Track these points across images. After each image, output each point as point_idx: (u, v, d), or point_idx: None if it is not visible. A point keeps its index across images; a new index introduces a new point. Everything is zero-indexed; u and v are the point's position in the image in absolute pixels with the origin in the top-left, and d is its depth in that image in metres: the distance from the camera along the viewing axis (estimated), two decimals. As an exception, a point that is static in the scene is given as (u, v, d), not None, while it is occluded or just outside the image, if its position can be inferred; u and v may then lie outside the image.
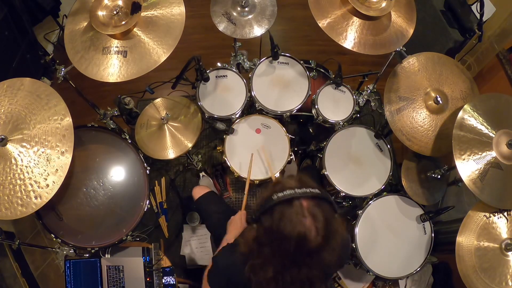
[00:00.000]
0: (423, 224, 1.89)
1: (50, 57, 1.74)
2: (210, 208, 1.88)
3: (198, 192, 1.94)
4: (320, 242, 0.97)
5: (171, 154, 1.93)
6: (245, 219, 1.59)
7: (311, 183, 1.06)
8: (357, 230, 1.86)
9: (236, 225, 1.54)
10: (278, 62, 2.11)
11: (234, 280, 1.18)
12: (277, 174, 1.92)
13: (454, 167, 1.55)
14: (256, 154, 1.94)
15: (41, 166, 1.44)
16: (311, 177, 2.04)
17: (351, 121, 2.13)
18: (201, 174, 2.54)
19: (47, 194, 1.43)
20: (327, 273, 1.15)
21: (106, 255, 1.92)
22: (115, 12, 1.58)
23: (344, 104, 2.06)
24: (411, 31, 1.74)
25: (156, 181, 2.52)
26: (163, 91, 2.07)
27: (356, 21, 1.66)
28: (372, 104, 2.28)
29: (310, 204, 0.99)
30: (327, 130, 2.10)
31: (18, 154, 1.45)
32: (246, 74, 2.16)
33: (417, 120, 1.75)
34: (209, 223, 1.90)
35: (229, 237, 1.51)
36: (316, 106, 2.01)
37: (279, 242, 1.00)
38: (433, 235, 1.88)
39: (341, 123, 2.03)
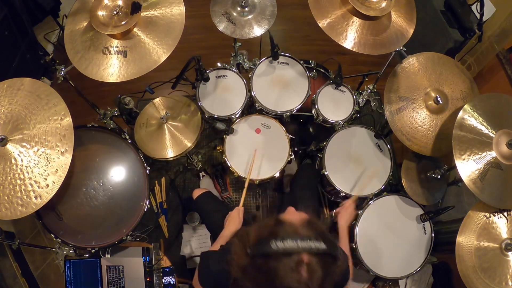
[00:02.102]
0: (423, 224, 1.89)
1: (50, 57, 1.74)
2: (209, 207, 1.90)
3: (196, 192, 1.97)
4: None
5: (170, 153, 1.93)
6: (243, 215, 1.60)
7: (319, 227, 0.96)
8: (357, 230, 1.86)
9: (234, 220, 1.55)
10: (278, 62, 2.11)
11: (222, 284, 1.13)
12: (277, 174, 1.92)
13: (454, 167, 1.55)
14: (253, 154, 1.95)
15: (41, 166, 1.44)
16: (310, 176, 2.05)
17: (351, 121, 2.13)
18: (201, 174, 2.54)
19: (47, 194, 1.43)
20: None
21: (106, 255, 1.92)
22: (115, 12, 1.58)
23: (344, 104, 2.06)
24: (411, 31, 1.74)
25: (156, 181, 2.52)
26: (163, 91, 2.07)
27: (356, 21, 1.66)
28: (372, 104, 2.28)
29: (310, 261, 0.89)
30: (327, 130, 2.10)
31: (18, 154, 1.45)
32: (246, 74, 2.16)
33: (417, 120, 1.75)
34: (208, 223, 1.91)
35: (226, 233, 1.52)
36: (316, 106, 2.02)
37: (266, 283, 0.92)
38: (433, 235, 1.88)
39: (341, 123, 2.03)
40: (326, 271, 0.91)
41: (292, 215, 1.04)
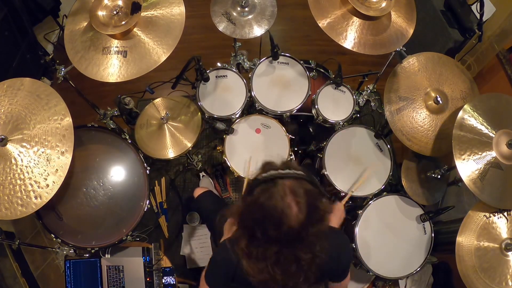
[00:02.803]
0: (423, 224, 1.89)
1: (50, 57, 1.74)
2: (210, 206, 1.89)
3: (197, 191, 1.96)
4: (302, 220, 0.97)
5: (171, 153, 1.93)
6: None
7: (298, 167, 1.07)
8: (357, 230, 1.86)
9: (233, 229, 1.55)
10: (278, 62, 2.11)
11: (231, 274, 1.18)
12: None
13: (454, 167, 1.55)
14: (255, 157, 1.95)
15: (41, 166, 1.45)
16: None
17: (351, 121, 2.13)
18: (201, 174, 2.54)
19: (47, 194, 1.43)
20: (324, 271, 1.12)
21: (106, 255, 1.92)
22: (115, 12, 1.58)
23: (344, 104, 2.05)
24: (411, 31, 1.74)
25: (156, 181, 2.52)
26: (163, 91, 2.07)
27: (356, 21, 1.66)
28: (372, 104, 2.28)
29: (293, 184, 0.99)
30: (327, 130, 2.10)
31: (18, 154, 1.45)
32: (246, 74, 2.16)
33: (417, 120, 1.75)
34: (208, 222, 1.91)
35: (228, 226, 1.52)
36: (316, 106, 2.01)
37: (259, 219, 1.01)
38: (433, 235, 1.88)
39: (341, 123, 2.03)
40: (308, 195, 0.99)
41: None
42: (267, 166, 1.08)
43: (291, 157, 1.96)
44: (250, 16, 1.90)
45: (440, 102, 1.72)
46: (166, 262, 2.04)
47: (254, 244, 1.06)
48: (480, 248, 1.59)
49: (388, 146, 2.01)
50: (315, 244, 1.04)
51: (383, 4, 1.65)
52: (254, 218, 1.03)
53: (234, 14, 1.90)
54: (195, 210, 2.41)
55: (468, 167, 1.52)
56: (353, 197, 1.99)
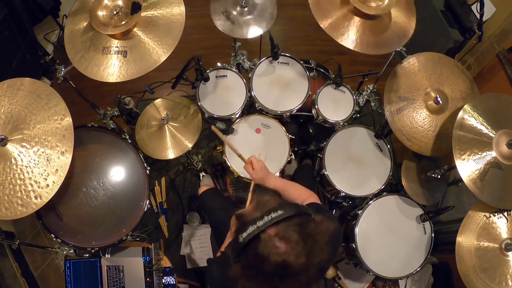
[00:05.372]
0: (423, 224, 1.89)
1: (50, 57, 1.74)
2: (213, 204, 1.89)
3: (202, 188, 1.97)
4: (304, 262, 0.90)
5: (171, 154, 1.93)
6: None
7: (270, 202, 0.97)
8: (357, 230, 1.86)
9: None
10: (278, 62, 2.11)
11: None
12: (277, 174, 1.92)
13: (454, 167, 1.55)
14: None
15: (41, 166, 1.44)
16: (309, 177, 2.04)
17: (351, 121, 2.13)
18: (201, 174, 2.54)
19: (47, 194, 1.43)
20: (323, 268, 1.10)
21: (106, 255, 1.92)
22: (115, 12, 1.58)
23: (344, 104, 2.05)
24: (411, 31, 1.74)
25: (156, 181, 2.52)
26: (163, 91, 2.07)
27: (357, 21, 1.66)
28: (372, 104, 2.28)
29: (278, 230, 0.90)
30: (327, 130, 2.10)
31: (18, 154, 1.45)
32: (246, 74, 2.16)
33: (417, 120, 1.75)
34: (211, 219, 1.91)
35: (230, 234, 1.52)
36: (316, 106, 2.01)
37: (263, 275, 0.92)
38: (433, 235, 1.88)
39: (341, 123, 2.03)
40: (300, 233, 0.90)
41: (248, 206, 1.05)
42: (241, 221, 0.96)
43: (291, 157, 1.96)
44: (250, 16, 1.90)
45: (440, 102, 1.72)
46: (166, 262, 2.04)
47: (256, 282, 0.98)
48: (480, 248, 1.59)
49: (388, 146, 2.01)
50: (319, 260, 0.96)
51: (384, 3, 1.64)
52: (256, 273, 0.93)
53: (234, 13, 1.90)
54: (196, 208, 2.42)
55: (468, 167, 1.52)
56: (353, 197, 2.00)
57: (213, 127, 1.62)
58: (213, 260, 1.36)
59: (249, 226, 0.91)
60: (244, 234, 0.91)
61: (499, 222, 1.63)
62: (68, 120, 1.50)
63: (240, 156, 1.53)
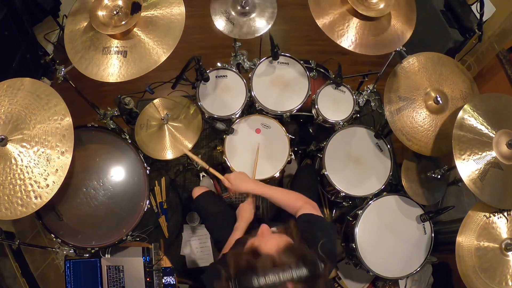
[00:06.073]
0: (423, 224, 1.89)
1: (50, 57, 1.74)
2: (209, 208, 1.87)
3: (196, 191, 1.93)
4: None
5: (170, 154, 1.93)
6: (254, 205, 1.61)
7: (299, 250, 0.93)
8: (357, 230, 1.86)
9: (246, 212, 1.54)
10: (278, 62, 2.11)
11: None
12: (277, 174, 1.92)
13: (454, 167, 1.55)
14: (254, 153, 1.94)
15: (41, 166, 1.44)
16: (310, 177, 2.04)
17: (351, 121, 2.13)
18: (201, 174, 2.54)
19: (47, 194, 1.43)
20: None
21: (106, 255, 1.92)
22: (115, 12, 1.58)
23: (344, 104, 2.06)
24: (411, 31, 1.74)
25: (156, 181, 2.52)
26: (163, 91, 2.07)
27: (356, 21, 1.66)
28: (372, 104, 2.28)
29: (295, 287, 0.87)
30: (327, 130, 2.10)
31: (18, 154, 1.45)
32: (246, 74, 2.16)
33: (417, 120, 1.75)
34: (208, 224, 1.89)
35: (241, 225, 1.53)
36: (316, 106, 2.02)
37: None
38: (433, 235, 1.88)
39: (341, 123, 2.03)
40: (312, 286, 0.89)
41: (268, 241, 0.98)
42: (260, 261, 0.90)
43: (291, 157, 1.96)
44: (249, 16, 1.90)
45: (440, 102, 1.72)
46: (166, 262, 2.04)
47: None
48: (480, 248, 1.59)
49: (388, 146, 2.01)
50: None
51: (382, 5, 1.65)
52: None
53: (234, 13, 1.90)
54: (195, 210, 2.41)
55: (468, 167, 1.52)
56: (353, 197, 2.00)
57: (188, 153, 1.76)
58: (215, 265, 1.34)
59: (270, 274, 0.87)
60: (262, 280, 0.86)
61: (499, 222, 1.63)
62: (68, 120, 1.50)
63: (208, 169, 1.71)
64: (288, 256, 0.91)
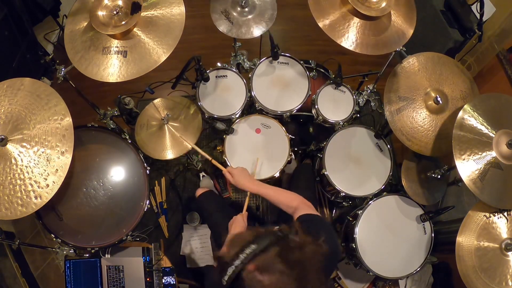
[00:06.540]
0: (423, 224, 1.89)
1: (50, 57, 1.74)
2: (211, 206, 1.90)
3: (199, 191, 1.98)
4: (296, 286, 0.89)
5: (170, 154, 1.93)
6: (246, 219, 1.60)
7: (243, 237, 0.96)
8: (357, 230, 1.86)
9: (239, 224, 1.54)
10: (278, 62, 2.11)
11: None
12: (277, 174, 1.92)
13: (454, 167, 1.55)
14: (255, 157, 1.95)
15: (41, 166, 1.44)
16: (308, 177, 2.04)
17: (351, 121, 2.13)
18: (201, 174, 2.54)
19: (47, 194, 1.43)
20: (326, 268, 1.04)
21: (106, 255, 1.92)
22: (115, 12, 1.58)
23: (344, 104, 2.06)
24: (411, 31, 1.74)
25: (156, 181, 2.52)
26: (163, 91, 2.07)
27: (356, 21, 1.66)
28: (372, 104, 2.28)
29: (257, 264, 0.89)
30: (327, 130, 2.10)
31: (18, 154, 1.45)
32: (246, 74, 2.16)
33: (417, 120, 1.75)
34: (209, 221, 1.92)
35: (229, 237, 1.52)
36: (316, 106, 2.02)
37: None
38: (433, 235, 1.88)
39: (341, 123, 2.03)
40: (286, 260, 0.89)
41: (225, 243, 1.04)
42: (220, 264, 0.95)
43: (291, 157, 1.96)
44: (249, 16, 1.90)
45: (440, 102, 1.72)
46: (166, 262, 2.04)
47: None
48: (480, 248, 1.59)
49: (388, 146, 2.01)
50: (314, 265, 0.94)
51: (383, 4, 1.65)
52: None
53: (234, 13, 1.90)
54: (195, 210, 2.41)
55: (468, 167, 1.52)
56: (353, 197, 2.00)
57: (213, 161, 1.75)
58: (209, 270, 1.35)
59: (228, 268, 0.91)
60: (226, 277, 0.91)
61: (499, 222, 1.63)
62: (68, 120, 1.50)
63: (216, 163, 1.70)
64: (234, 245, 0.95)
